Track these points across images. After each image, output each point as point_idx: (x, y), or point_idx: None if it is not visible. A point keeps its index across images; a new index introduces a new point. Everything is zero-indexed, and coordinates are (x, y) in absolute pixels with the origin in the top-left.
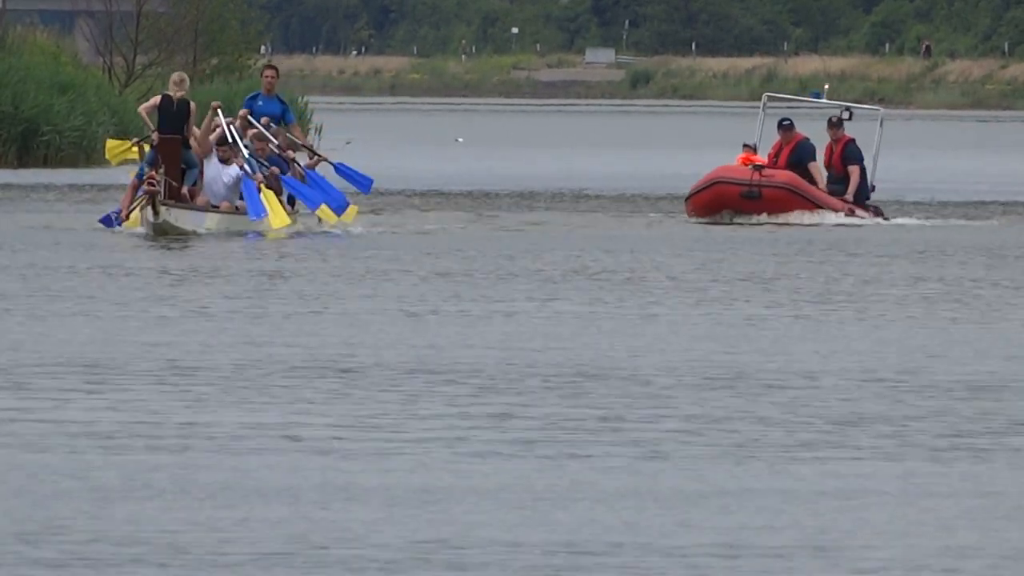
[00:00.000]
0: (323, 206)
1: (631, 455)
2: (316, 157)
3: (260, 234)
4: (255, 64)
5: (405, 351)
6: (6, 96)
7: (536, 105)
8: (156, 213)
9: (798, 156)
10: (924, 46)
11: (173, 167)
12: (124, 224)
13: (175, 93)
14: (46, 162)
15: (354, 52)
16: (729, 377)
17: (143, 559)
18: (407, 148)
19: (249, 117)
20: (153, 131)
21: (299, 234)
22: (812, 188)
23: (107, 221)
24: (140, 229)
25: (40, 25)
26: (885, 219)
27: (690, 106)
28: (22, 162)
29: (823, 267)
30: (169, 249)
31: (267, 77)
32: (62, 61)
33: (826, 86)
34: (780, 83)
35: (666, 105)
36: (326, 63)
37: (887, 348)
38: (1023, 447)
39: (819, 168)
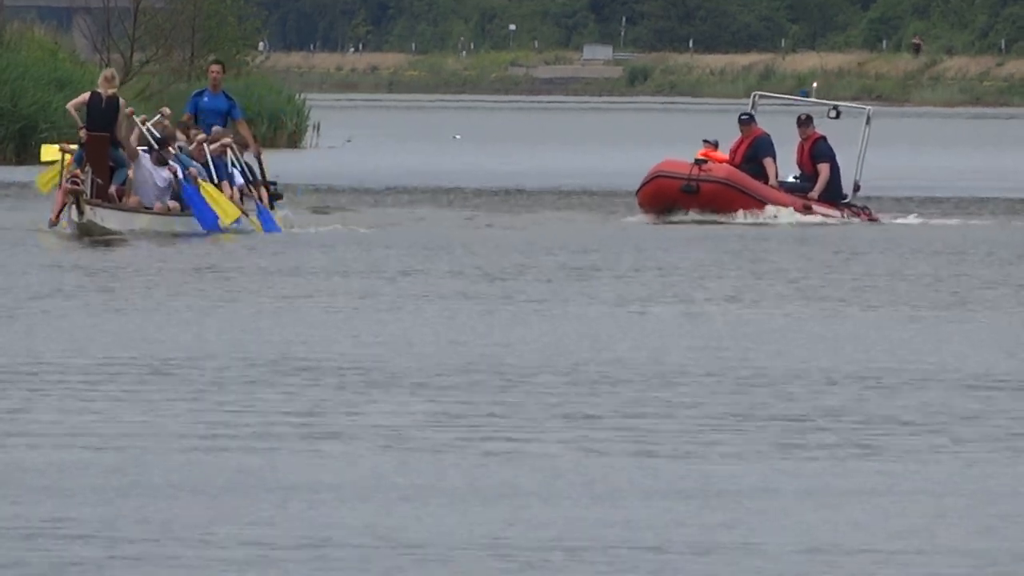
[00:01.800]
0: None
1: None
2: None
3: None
4: (253, 61)
5: (380, 348)
6: (4, 93)
7: (534, 102)
8: (80, 212)
9: (754, 151)
10: (914, 43)
11: (100, 166)
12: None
13: (106, 90)
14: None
15: (352, 49)
16: (715, 375)
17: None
18: (405, 145)
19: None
20: (81, 128)
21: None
22: (755, 183)
23: None
24: (66, 228)
25: (38, 21)
26: (871, 218)
27: (688, 103)
28: (20, 159)
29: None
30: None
31: (212, 73)
32: (60, 57)
33: (814, 84)
34: (778, 80)
35: (664, 102)
36: (324, 60)
37: (837, 344)
38: None
39: (773, 164)
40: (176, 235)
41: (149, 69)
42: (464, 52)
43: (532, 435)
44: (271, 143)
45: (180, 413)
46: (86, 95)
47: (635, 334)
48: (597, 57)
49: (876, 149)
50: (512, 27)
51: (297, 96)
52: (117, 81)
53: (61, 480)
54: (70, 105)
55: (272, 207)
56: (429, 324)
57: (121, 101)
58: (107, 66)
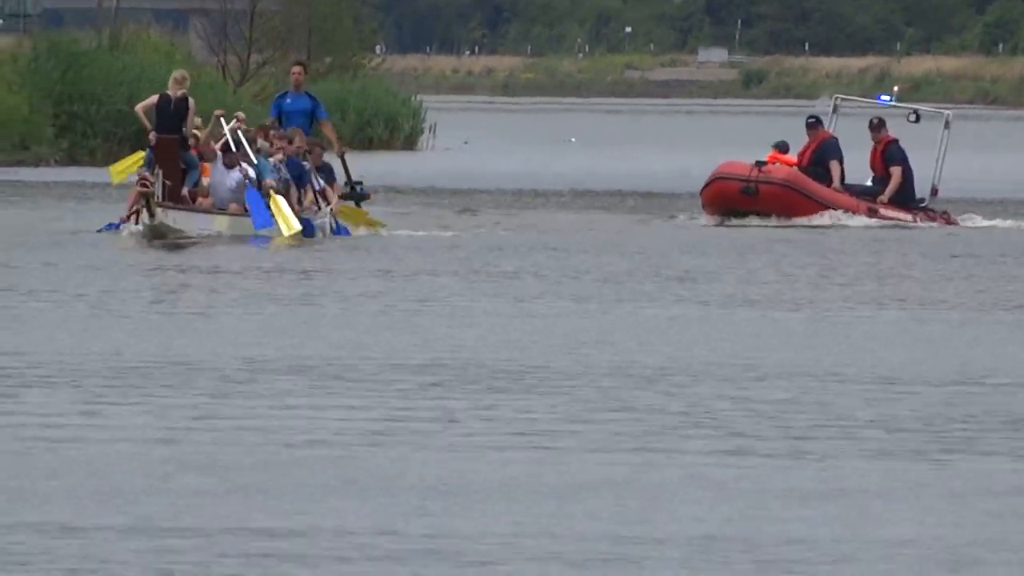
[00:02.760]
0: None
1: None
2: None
3: (267, 239)
4: (369, 63)
5: (493, 350)
6: (121, 94)
7: (649, 104)
8: (151, 215)
9: (821, 154)
10: None
11: (171, 168)
12: (124, 226)
13: (175, 91)
14: None
15: (467, 52)
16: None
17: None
18: (521, 147)
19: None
20: (150, 131)
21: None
22: (816, 186)
23: (110, 228)
24: (138, 228)
25: (154, 23)
26: (949, 222)
27: (803, 106)
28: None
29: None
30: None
31: (294, 74)
32: (176, 59)
33: (895, 88)
34: (893, 82)
35: (779, 105)
36: (439, 63)
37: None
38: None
39: (839, 167)
40: (251, 236)
41: (266, 71)
42: (580, 55)
43: (666, 436)
44: (387, 145)
45: (302, 414)
46: (154, 97)
47: (718, 336)
48: (712, 60)
49: (981, 153)
50: (628, 30)
51: (413, 98)
52: (187, 83)
53: (207, 481)
54: (138, 107)
55: (359, 207)
56: (546, 325)
57: (190, 102)
58: (223, 68)
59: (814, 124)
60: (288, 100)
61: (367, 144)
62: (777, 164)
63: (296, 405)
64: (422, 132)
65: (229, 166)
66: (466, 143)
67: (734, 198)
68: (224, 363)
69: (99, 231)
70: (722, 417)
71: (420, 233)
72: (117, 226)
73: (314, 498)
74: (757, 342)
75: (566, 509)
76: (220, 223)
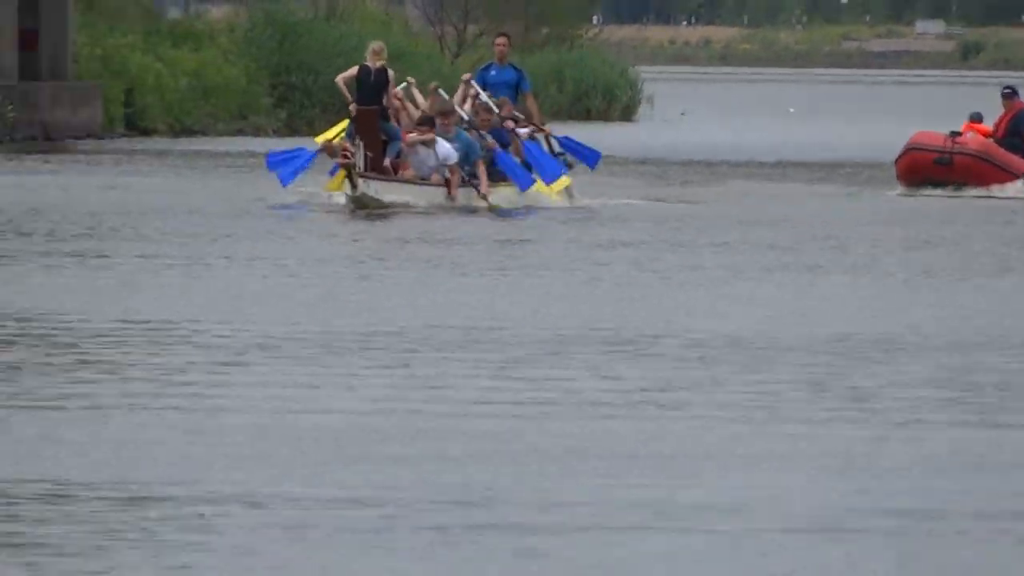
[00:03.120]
0: (536, 186)
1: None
2: (540, 130)
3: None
4: (586, 34)
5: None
6: (339, 64)
7: (867, 75)
8: (354, 186)
9: (1015, 124)
10: None
11: (372, 139)
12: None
13: (373, 63)
14: None
15: (684, 22)
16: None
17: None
18: (739, 119)
19: (476, 88)
20: (350, 103)
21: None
22: (1010, 156)
23: (278, 164)
24: (340, 196)
25: None
26: None
27: (1020, 77)
28: None
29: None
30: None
31: (498, 46)
32: (393, 30)
33: None
34: None
35: (998, 76)
36: (656, 33)
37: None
38: None
39: None
40: (454, 208)
41: (483, 42)
42: (798, 26)
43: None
44: (604, 116)
45: (480, 383)
46: (355, 69)
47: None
48: (930, 31)
49: None
50: (844, 0)
51: (630, 69)
52: (385, 54)
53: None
54: (339, 79)
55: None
56: (749, 296)
57: (390, 73)
58: (440, 39)
59: (1010, 95)
60: (492, 72)
61: (584, 115)
62: (971, 135)
63: (489, 375)
64: (639, 103)
65: (426, 145)
66: (683, 114)
67: (928, 169)
68: (429, 332)
69: (272, 159)
70: (893, 388)
71: (638, 202)
72: (307, 161)
73: (497, 466)
74: (955, 311)
75: (718, 477)
76: (422, 194)
